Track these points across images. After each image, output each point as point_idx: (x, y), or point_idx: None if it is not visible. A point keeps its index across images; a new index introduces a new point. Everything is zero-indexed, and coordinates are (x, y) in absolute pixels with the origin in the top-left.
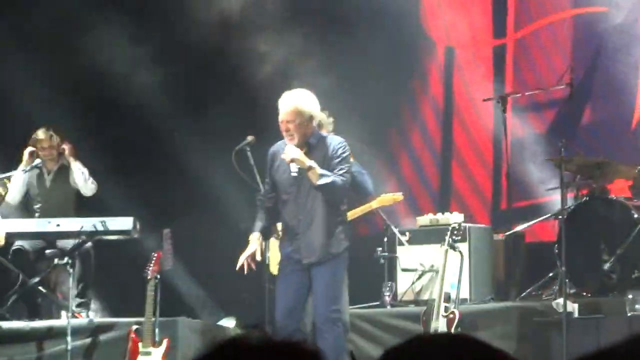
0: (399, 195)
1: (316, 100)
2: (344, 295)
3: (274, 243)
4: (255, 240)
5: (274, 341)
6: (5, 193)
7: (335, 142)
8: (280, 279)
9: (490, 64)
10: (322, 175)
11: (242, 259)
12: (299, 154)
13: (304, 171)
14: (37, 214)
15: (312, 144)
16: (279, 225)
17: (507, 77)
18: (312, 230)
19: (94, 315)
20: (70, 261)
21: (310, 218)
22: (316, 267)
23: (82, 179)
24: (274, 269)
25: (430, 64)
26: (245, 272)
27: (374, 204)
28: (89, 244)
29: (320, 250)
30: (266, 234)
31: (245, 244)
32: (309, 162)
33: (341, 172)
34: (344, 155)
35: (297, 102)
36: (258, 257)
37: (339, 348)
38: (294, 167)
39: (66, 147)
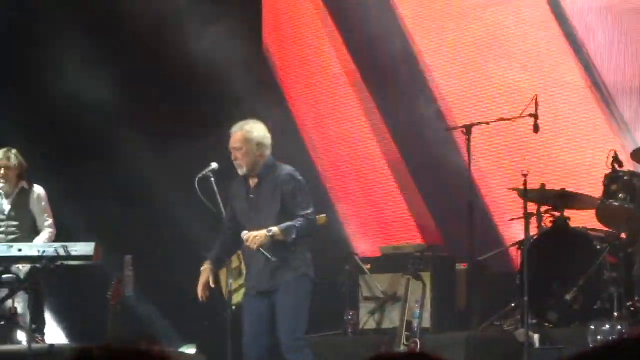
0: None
1: (265, 130)
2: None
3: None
4: (205, 270)
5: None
6: None
7: (285, 174)
8: (244, 306)
9: None
10: (286, 231)
11: (199, 291)
12: (257, 239)
13: (255, 200)
14: None
15: (261, 175)
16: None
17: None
18: (264, 260)
19: (54, 340)
20: (27, 286)
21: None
22: (275, 296)
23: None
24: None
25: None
26: (203, 300)
27: None
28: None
29: (274, 279)
30: (218, 262)
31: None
32: (268, 233)
33: (302, 211)
34: (298, 187)
35: (244, 130)
36: (211, 284)
37: None
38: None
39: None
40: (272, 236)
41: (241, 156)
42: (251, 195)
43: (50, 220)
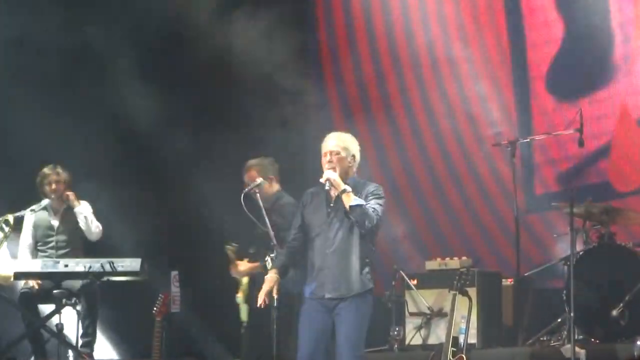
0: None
1: (358, 146)
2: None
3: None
4: (270, 278)
5: None
6: (8, 231)
7: (373, 185)
8: (302, 319)
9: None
10: (357, 200)
11: (261, 296)
12: (336, 175)
13: (336, 208)
14: (45, 255)
15: (349, 185)
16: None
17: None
18: (338, 265)
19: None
20: (77, 301)
21: (338, 253)
22: (340, 307)
23: (85, 225)
24: (243, 315)
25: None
26: (263, 307)
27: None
28: (96, 283)
29: (345, 286)
30: (284, 272)
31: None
32: (344, 186)
33: (373, 204)
34: (379, 194)
35: (344, 138)
36: (274, 294)
37: None
38: (331, 192)
39: (69, 194)
40: (345, 190)
41: (337, 160)
42: (332, 205)
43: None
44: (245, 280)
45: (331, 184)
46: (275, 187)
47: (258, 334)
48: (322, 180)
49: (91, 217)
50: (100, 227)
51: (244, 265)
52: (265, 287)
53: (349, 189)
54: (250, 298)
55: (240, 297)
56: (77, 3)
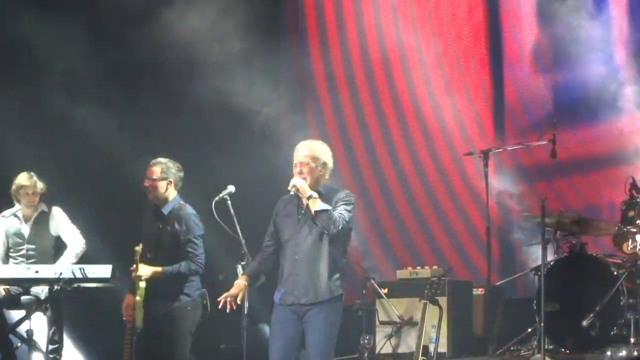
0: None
1: (330, 152)
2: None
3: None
4: (238, 283)
5: None
6: None
7: (344, 192)
8: (273, 326)
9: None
10: (324, 205)
11: (223, 297)
12: (303, 182)
13: (306, 215)
14: (16, 262)
15: (321, 192)
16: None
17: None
18: (306, 272)
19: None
20: (46, 307)
21: (306, 259)
22: (309, 314)
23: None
24: (139, 322)
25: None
26: (228, 311)
27: None
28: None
29: (313, 292)
30: (255, 279)
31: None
32: (309, 192)
33: (340, 209)
34: (348, 200)
35: (315, 147)
36: (238, 301)
37: None
38: (299, 197)
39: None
40: (311, 196)
41: (307, 171)
42: (302, 211)
43: (77, 233)
44: (142, 284)
45: (297, 191)
46: (172, 193)
47: (155, 342)
48: (289, 187)
49: (75, 250)
50: (83, 246)
51: (144, 268)
52: (231, 291)
53: (315, 194)
54: (147, 303)
55: (139, 301)
56: None
